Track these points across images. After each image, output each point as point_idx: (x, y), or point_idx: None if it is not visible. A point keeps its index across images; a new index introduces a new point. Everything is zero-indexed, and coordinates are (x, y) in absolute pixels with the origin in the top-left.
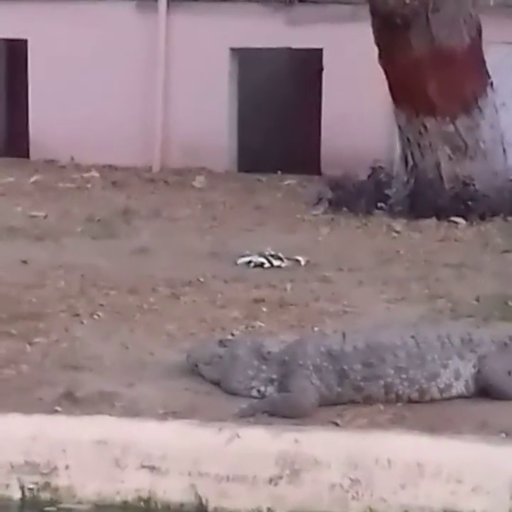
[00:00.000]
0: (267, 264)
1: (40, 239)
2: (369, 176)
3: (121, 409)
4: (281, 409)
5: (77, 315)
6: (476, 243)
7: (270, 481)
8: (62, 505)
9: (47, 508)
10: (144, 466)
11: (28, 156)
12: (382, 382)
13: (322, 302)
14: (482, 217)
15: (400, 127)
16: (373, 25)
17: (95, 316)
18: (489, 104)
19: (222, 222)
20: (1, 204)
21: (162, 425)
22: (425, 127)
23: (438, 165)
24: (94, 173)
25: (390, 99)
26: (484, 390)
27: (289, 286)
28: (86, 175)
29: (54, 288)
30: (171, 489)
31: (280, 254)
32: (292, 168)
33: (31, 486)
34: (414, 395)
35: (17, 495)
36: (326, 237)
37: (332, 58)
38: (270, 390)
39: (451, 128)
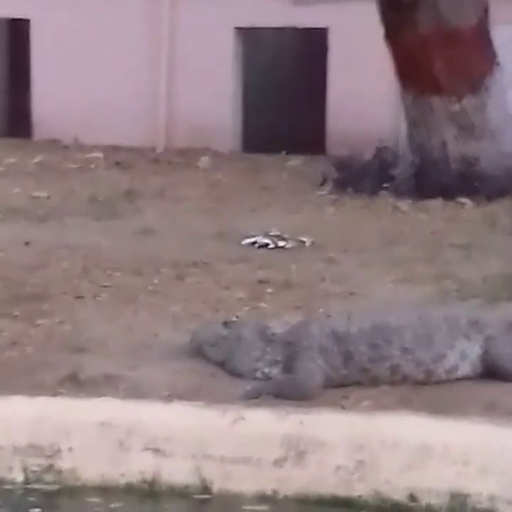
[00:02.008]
0: (271, 245)
1: (43, 220)
2: (374, 156)
3: (125, 392)
4: (286, 391)
5: (81, 296)
6: (482, 223)
7: (275, 463)
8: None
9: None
10: (148, 449)
11: (31, 136)
12: (388, 364)
13: (327, 283)
14: (489, 198)
15: (405, 106)
16: (379, 4)
17: (99, 298)
18: (496, 84)
19: (227, 202)
20: (4, 185)
21: (166, 407)
22: (431, 107)
23: (444, 145)
24: (98, 154)
25: (396, 78)
26: (491, 372)
27: (293, 267)
28: (89, 155)
29: (57, 269)
30: (176, 471)
31: (285, 235)
32: (297, 148)
33: (35, 468)
34: (421, 377)
35: (20, 477)
36: (331, 218)
37: (337, 38)
38: (275, 371)
39: (457, 107)
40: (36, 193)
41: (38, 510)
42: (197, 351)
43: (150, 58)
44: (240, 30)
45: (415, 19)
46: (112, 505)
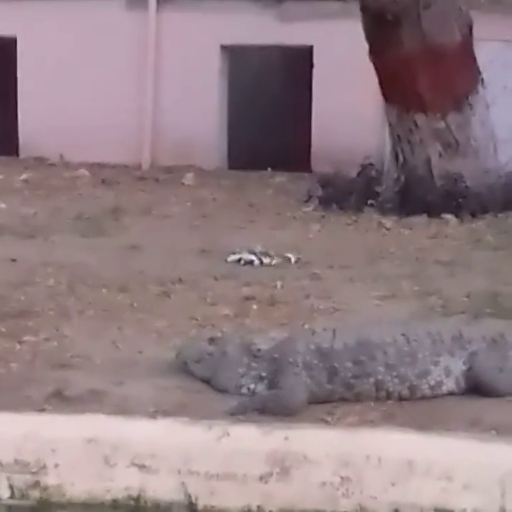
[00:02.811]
0: (257, 262)
1: (29, 237)
2: (359, 173)
3: (110, 408)
4: (271, 407)
5: (67, 313)
6: (466, 240)
7: (260, 478)
8: (51, 504)
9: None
10: (133, 465)
11: (17, 154)
12: (372, 380)
13: (312, 299)
14: (473, 215)
15: (390, 124)
16: (364, 22)
17: (85, 314)
18: (480, 101)
19: (212, 219)
20: None
21: (152, 423)
22: (416, 124)
23: (428, 162)
24: (84, 171)
25: (380, 95)
26: (475, 387)
27: (279, 283)
28: (75, 173)
29: (43, 286)
30: (161, 487)
31: (270, 252)
32: (283, 165)
33: (20, 484)
34: (405, 393)
35: (6, 494)
36: (317, 235)
37: (322, 55)
38: (260, 387)
39: (442, 124)
40: (23, 210)
41: None
42: (182, 367)
43: (136, 76)
44: (225, 47)
45: (399, 37)
46: None
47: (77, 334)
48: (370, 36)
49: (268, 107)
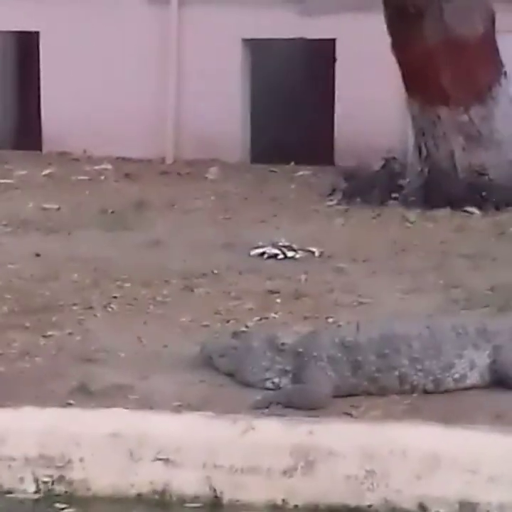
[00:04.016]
0: (280, 256)
1: (53, 232)
2: (382, 167)
3: (135, 402)
4: (295, 401)
5: (91, 308)
6: (490, 233)
7: (285, 472)
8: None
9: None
10: (158, 459)
11: (40, 149)
12: (396, 373)
13: (336, 293)
14: (497, 207)
15: (413, 117)
16: (386, 15)
17: (109, 309)
18: (503, 94)
19: (236, 213)
20: (14, 197)
21: (176, 417)
22: (439, 117)
23: (452, 155)
24: (107, 166)
25: (403, 89)
26: (499, 381)
27: (303, 277)
28: (99, 167)
29: (67, 281)
30: (186, 482)
31: (294, 246)
32: (305, 159)
33: (46, 479)
34: (429, 386)
35: (31, 488)
36: (340, 228)
37: (345, 48)
38: (284, 381)
39: (465, 118)
40: (46, 205)
41: None
42: (206, 362)
43: (158, 70)
44: (247, 41)
45: (422, 29)
46: None
47: (102, 329)
48: (392, 29)
49: (291, 100)
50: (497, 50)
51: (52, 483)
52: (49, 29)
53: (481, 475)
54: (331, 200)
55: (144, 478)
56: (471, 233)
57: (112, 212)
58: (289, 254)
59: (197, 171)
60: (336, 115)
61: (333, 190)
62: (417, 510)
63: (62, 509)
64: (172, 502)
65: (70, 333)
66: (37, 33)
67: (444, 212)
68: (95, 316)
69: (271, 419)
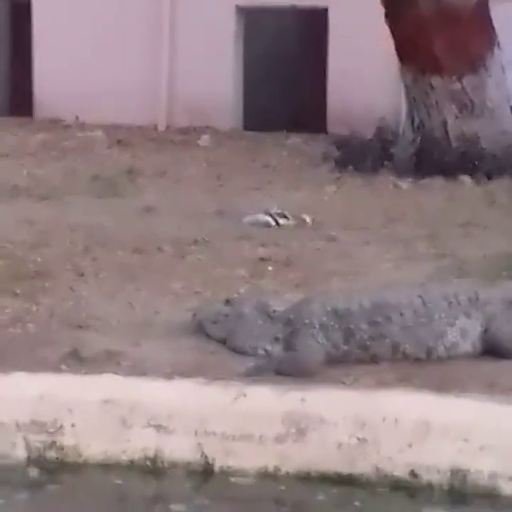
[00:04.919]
0: (272, 223)
1: (44, 198)
2: (375, 135)
3: (127, 369)
4: (287, 368)
5: (83, 274)
6: (482, 202)
7: (276, 439)
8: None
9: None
10: (150, 425)
11: (32, 115)
12: (388, 341)
13: (328, 261)
14: (489, 176)
15: (406, 86)
16: None
17: (101, 275)
18: (496, 63)
19: (228, 181)
20: (6, 164)
21: (168, 384)
22: (431, 86)
23: (444, 123)
24: (99, 132)
25: (396, 58)
26: (491, 349)
27: (294, 244)
28: (91, 134)
29: (59, 247)
30: (178, 448)
31: (286, 213)
32: (298, 126)
33: (37, 444)
34: (421, 354)
35: (23, 454)
36: (332, 196)
37: (338, 17)
38: (276, 348)
39: (457, 86)
40: (38, 172)
41: (40, 485)
42: (198, 329)
43: (151, 37)
44: (240, 8)
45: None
46: (115, 482)
47: (93, 295)
48: None
49: (284, 68)
50: (490, 19)
51: (44, 449)
52: None
53: (473, 443)
54: (324, 168)
55: (136, 444)
56: (463, 202)
57: (104, 179)
58: (281, 221)
59: (189, 138)
60: (328, 83)
61: (326, 158)
62: (408, 478)
63: (54, 474)
64: (164, 469)
65: (62, 300)
66: (29, 2)
67: (436, 181)
68: (87, 282)
69: (262, 386)
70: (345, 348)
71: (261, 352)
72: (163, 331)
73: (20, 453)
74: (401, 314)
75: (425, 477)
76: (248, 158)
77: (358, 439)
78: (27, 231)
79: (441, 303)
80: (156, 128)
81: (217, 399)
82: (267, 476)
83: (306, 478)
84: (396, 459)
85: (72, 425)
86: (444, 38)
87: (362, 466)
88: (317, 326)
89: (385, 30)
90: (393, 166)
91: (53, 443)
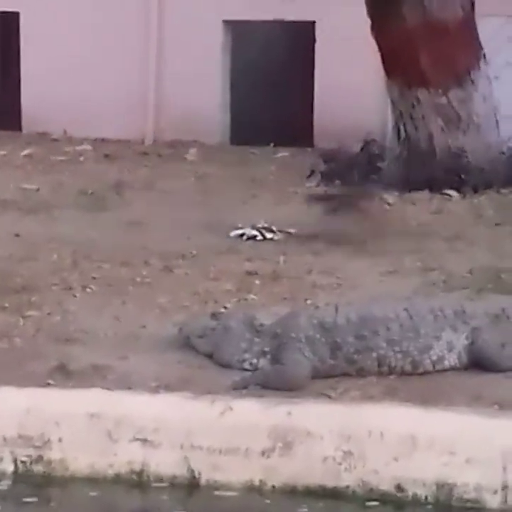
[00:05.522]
0: (259, 237)
1: (32, 212)
2: (362, 149)
3: (113, 382)
4: (273, 382)
5: (70, 288)
6: (469, 216)
7: (263, 453)
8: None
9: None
10: (136, 439)
11: (20, 129)
12: (374, 355)
13: (315, 275)
14: (475, 190)
15: (392, 100)
16: None
17: (88, 289)
18: (482, 77)
19: (215, 194)
20: None
21: (155, 398)
22: (418, 99)
23: (431, 137)
24: (87, 146)
25: (382, 71)
26: (477, 362)
27: (281, 258)
28: (78, 148)
29: (46, 261)
30: (164, 462)
31: (273, 227)
32: (285, 140)
33: (24, 458)
34: (407, 368)
35: (10, 468)
36: (319, 210)
37: (325, 31)
38: (263, 362)
39: (443, 100)
40: (26, 185)
41: (27, 500)
42: (185, 342)
43: (138, 51)
44: (228, 23)
45: (401, 12)
46: (101, 496)
47: (81, 309)
48: (372, 12)
49: (271, 82)
50: (476, 33)
51: (31, 463)
52: (29, 10)
53: (458, 456)
54: (310, 181)
55: (122, 458)
56: (450, 216)
57: (91, 192)
58: (268, 235)
59: (176, 152)
60: (315, 97)
61: (312, 172)
62: (394, 492)
63: (41, 488)
64: (150, 482)
65: (49, 314)
66: (17, 14)
67: (422, 195)
68: (74, 296)
69: (249, 400)
70: (332, 361)
71: (247, 366)
72: (150, 344)
73: (8, 467)
74: (387, 328)
75: (411, 490)
76: (235, 172)
77: (344, 452)
78: (14, 245)
79: (427, 316)
80: (143, 142)
81: (203, 413)
82: (252, 489)
83: (291, 492)
84: (382, 473)
85: (59, 439)
86: (430, 51)
87: (348, 480)
88: (304, 340)
89: (372, 44)
90: (380, 179)
91: (40, 457)
